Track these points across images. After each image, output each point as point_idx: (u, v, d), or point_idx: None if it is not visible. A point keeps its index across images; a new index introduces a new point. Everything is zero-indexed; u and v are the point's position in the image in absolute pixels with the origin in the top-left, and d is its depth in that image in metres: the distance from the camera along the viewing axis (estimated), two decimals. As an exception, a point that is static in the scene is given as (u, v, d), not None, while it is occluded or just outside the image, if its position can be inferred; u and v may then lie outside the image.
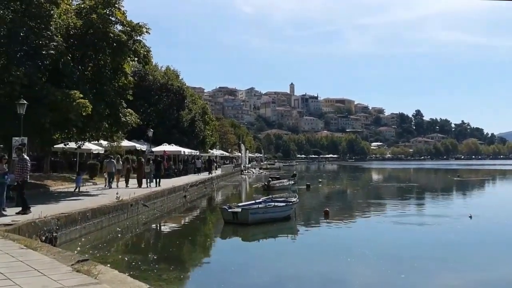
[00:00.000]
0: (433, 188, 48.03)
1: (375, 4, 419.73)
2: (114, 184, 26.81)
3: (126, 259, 13.34)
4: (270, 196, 24.32)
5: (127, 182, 28.30)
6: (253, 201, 22.91)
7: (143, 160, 30.05)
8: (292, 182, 43.54)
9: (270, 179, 42.61)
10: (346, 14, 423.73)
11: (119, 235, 17.45)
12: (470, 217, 22.25)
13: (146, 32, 24.91)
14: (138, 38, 24.83)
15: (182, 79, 54.07)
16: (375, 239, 17.61)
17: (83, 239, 15.32)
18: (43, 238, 12.79)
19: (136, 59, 25.86)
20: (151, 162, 29.90)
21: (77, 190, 23.22)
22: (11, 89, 19.26)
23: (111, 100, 24.20)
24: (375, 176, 77.30)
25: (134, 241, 17.41)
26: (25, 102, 18.66)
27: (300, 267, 13.29)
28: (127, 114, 25.69)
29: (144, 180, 28.29)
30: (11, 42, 20.61)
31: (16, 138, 18.47)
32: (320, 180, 56.00)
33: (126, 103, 26.25)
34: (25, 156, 15.29)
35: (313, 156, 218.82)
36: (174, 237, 18.59)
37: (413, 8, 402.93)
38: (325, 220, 21.99)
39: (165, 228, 21.11)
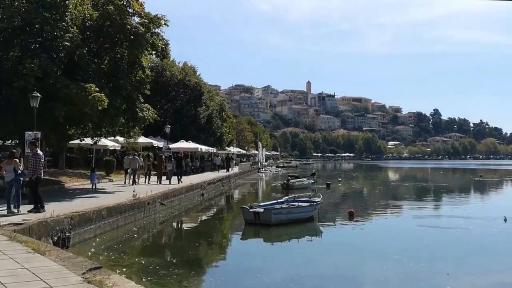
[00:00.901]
0: (456, 188, 46.44)
1: (393, 3, 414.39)
2: (138, 181, 26.32)
3: (143, 262, 12.46)
4: (293, 196, 23.26)
5: (147, 178, 27.88)
6: (276, 201, 21.87)
7: (163, 156, 29.42)
8: (312, 181, 42.48)
9: (289, 177, 41.53)
10: (364, 13, 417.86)
11: (136, 235, 16.63)
12: (505, 219, 20.91)
13: (165, 24, 24.06)
14: (156, 30, 23.97)
15: (199, 75, 53.30)
16: (407, 243, 16.51)
17: (97, 239, 14.52)
18: (55, 238, 12.01)
19: (154, 52, 25.00)
20: (172, 159, 29.29)
21: (94, 187, 22.52)
22: (25, 82, 18.55)
23: (128, 95, 23.40)
24: (393, 176, 75.66)
25: (151, 241, 16.58)
26: (39, 95, 17.90)
27: (329, 270, 12.41)
28: (144, 109, 24.89)
29: (164, 177, 27.78)
30: (26, 33, 19.95)
31: (29, 132, 17.73)
32: (340, 179, 54.80)
33: (143, 99, 25.47)
34: (39, 152, 14.52)
35: (330, 154, 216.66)
36: (193, 238, 17.74)
37: (432, 7, 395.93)
38: (350, 221, 20.93)
39: (183, 227, 20.31)
